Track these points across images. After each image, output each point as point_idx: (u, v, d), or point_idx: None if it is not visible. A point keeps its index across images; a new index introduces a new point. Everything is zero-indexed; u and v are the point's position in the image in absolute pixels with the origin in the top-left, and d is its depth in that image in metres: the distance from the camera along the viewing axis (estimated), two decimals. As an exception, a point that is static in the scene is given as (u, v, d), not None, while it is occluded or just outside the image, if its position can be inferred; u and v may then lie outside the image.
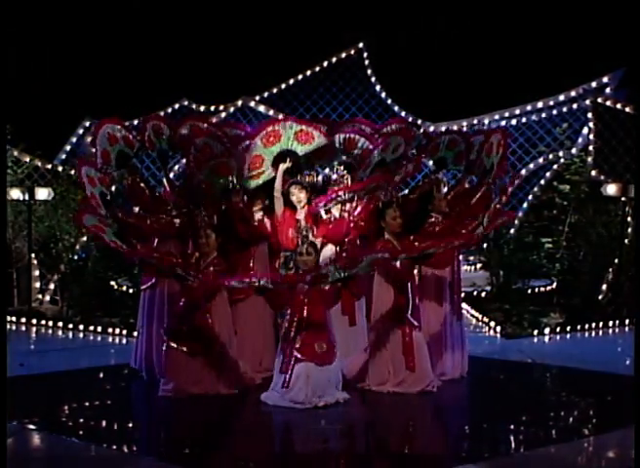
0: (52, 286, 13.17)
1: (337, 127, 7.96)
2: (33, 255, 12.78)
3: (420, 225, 7.61)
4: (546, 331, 10.64)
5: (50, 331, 11.10)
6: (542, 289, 12.41)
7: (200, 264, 7.00)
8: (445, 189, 7.93)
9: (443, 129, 13.88)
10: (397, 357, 6.92)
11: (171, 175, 12.93)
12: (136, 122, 13.87)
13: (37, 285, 13.15)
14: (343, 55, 16.23)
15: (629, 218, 12.15)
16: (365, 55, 16.17)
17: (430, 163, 8.23)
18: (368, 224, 7.45)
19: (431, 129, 12.44)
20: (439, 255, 7.08)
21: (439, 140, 7.98)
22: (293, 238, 7.39)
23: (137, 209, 8.10)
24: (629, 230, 12.23)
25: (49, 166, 13.63)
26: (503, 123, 14.01)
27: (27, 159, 13.48)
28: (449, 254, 7.30)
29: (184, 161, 9.29)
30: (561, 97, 14.00)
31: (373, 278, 7.30)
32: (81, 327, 10.96)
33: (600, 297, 12.04)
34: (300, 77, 16.09)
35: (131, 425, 6.32)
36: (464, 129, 14.18)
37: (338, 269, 6.38)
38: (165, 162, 8.10)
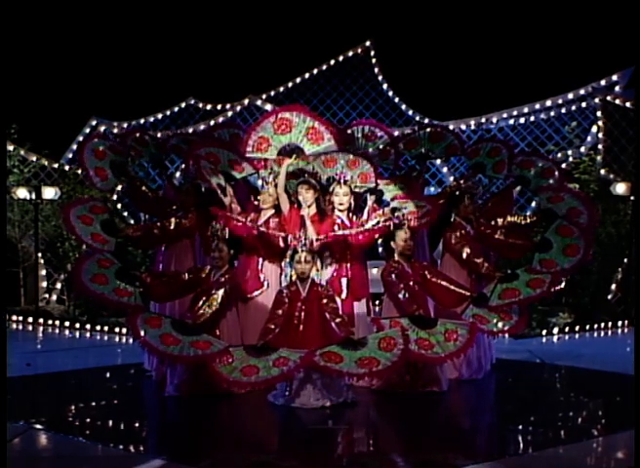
0: (58, 285, 13.17)
1: (344, 131, 7.99)
2: (40, 255, 12.79)
3: (442, 227, 7.65)
4: (555, 330, 10.60)
5: (57, 331, 11.10)
6: (551, 288, 12.32)
7: (211, 277, 6.99)
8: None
9: (463, 127, 13.84)
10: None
11: (177, 173, 12.94)
12: (125, 125, 13.98)
13: (44, 284, 13.15)
14: (350, 53, 16.20)
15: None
16: (372, 53, 16.14)
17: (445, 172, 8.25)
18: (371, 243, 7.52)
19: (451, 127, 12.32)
20: (448, 294, 7.09)
21: (480, 146, 8.00)
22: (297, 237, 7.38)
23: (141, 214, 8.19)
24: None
25: (56, 165, 13.63)
26: (512, 121, 13.96)
27: (34, 158, 13.49)
28: (458, 296, 7.22)
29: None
30: (570, 96, 13.91)
31: (370, 280, 7.54)
32: (88, 326, 10.97)
33: (609, 297, 11.99)
34: (306, 75, 16.07)
35: (137, 425, 6.30)
36: (472, 127, 14.12)
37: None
38: (160, 164, 8.14)
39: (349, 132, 7.99)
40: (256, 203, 7.69)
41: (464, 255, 7.51)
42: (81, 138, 14.55)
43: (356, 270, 7.48)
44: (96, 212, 7.17)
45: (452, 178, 12.51)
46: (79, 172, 13.15)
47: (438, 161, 13.33)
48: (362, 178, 7.61)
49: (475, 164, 8.02)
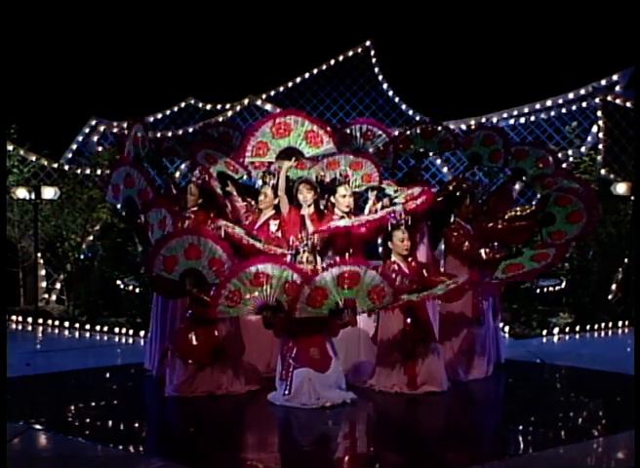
0: (58, 285, 13.15)
1: (341, 129, 8.00)
2: (39, 255, 12.77)
3: (443, 227, 7.63)
4: (555, 331, 10.59)
5: (56, 331, 11.08)
6: (551, 288, 12.32)
7: None
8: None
9: (463, 127, 13.84)
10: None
11: (177, 173, 12.94)
12: (125, 125, 13.98)
13: (43, 284, 13.12)
14: (351, 53, 16.19)
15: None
16: (372, 52, 16.12)
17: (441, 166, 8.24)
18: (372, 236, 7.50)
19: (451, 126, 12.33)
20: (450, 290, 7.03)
21: (473, 135, 8.01)
22: (299, 238, 7.38)
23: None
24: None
25: (55, 165, 13.61)
26: (512, 121, 13.95)
27: (34, 158, 13.46)
28: (458, 287, 7.15)
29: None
30: (570, 96, 13.90)
31: None
32: (87, 326, 10.95)
33: (610, 297, 11.98)
34: (306, 75, 16.06)
35: (137, 425, 6.29)
36: (472, 127, 14.11)
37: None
38: (158, 166, 8.15)
39: (347, 131, 7.99)
40: (252, 204, 7.72)
41: (464, 248, 7.50)
42: (81, 138, 14.54)
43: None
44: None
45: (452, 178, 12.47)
46: (78, 171, 13.17)
47: (438, 161, 13.33)
48: (365, 179, 7.63)
49: (471, 155, 8.02)
